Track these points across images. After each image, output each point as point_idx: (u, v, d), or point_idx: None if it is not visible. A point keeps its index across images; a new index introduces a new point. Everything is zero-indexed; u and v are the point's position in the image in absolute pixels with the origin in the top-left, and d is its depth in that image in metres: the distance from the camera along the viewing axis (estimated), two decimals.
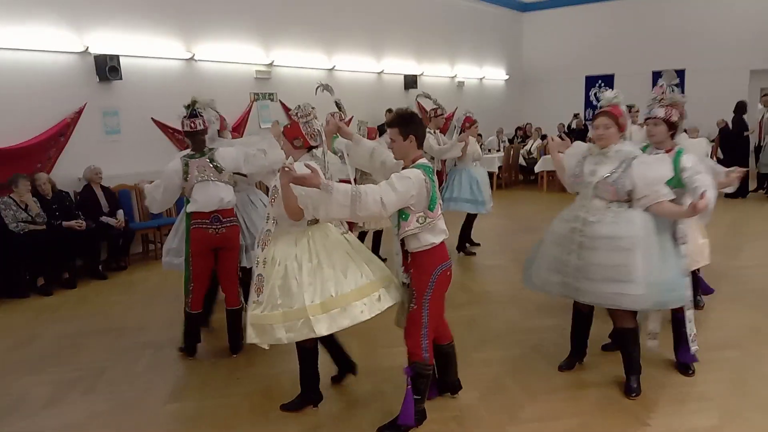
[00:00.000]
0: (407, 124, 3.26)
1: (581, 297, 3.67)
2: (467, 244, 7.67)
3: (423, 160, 3.28)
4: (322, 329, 3.24)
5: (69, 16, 7.39)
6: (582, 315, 4.04)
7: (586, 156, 3.75)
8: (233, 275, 4.62)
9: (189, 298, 4.50)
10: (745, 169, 4.49)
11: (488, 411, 3.62)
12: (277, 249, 3.41)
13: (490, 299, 5.78)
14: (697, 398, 3.66)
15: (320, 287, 3.27)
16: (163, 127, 8.36)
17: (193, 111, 4.41)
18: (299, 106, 3.51)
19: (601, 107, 3.74)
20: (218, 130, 5.04)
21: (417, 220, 3.18)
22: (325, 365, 3.87)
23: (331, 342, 3.84)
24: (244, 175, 4.85)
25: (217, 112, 5.06)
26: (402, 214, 3.19)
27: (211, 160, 4.42)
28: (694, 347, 3.90)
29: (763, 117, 10.58)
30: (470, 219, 7.59)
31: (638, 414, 3.50)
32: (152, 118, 8.24)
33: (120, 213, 7.35)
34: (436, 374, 3.64)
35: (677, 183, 3.68)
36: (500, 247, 7.79)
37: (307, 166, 3.11)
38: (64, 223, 6.69)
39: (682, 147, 3.86)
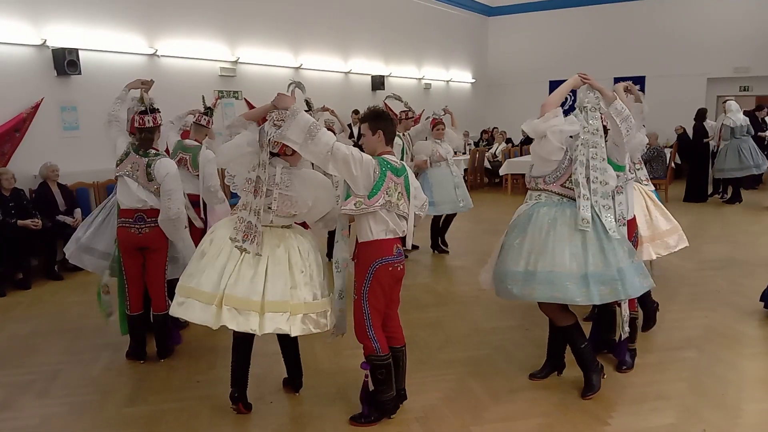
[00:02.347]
0: (377, 120, 3.40)
1: None
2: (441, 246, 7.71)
3: (387, 156, 3.36)
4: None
5: (26, 7, 7.16)
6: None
7: None
8: (159, 278, 4.42)
9: (127, 300, 4.38)
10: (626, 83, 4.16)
11: (452, 412, 3.62)
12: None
13: (455, 300, 5.80)
14: (655, 398, 3.73)
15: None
16: None
17: (146, 107, 4.25)
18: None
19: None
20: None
21: (354, 204, 3.22)
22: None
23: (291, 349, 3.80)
24: None
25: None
26: (347, 192, 3.32)
27: (148, 165, 4.19)
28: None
29: (722, 124, 10.89)
30: (437, 219, 7.61)
31: (598, 414, 3.55)
32: None
33: (77, 212, 7.14)
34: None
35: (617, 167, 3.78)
36: (465, 248, 7.83)
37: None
38: (19, 222, 6.48)
39: None
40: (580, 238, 3.48)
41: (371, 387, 3.43)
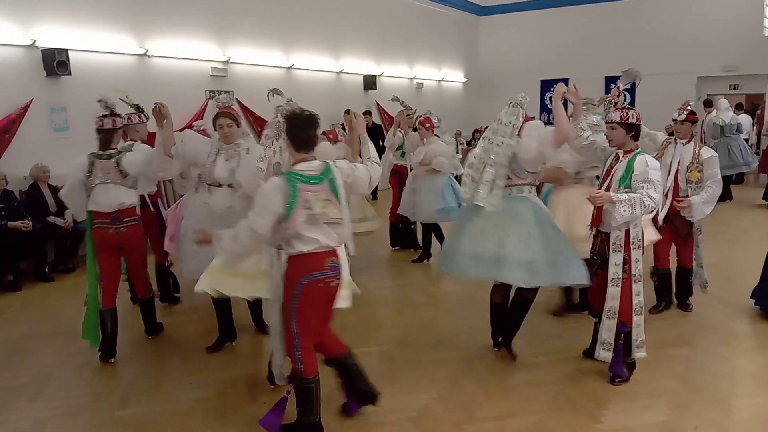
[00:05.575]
0: (285, 125, 3.19)
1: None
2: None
3: (298, 167, 3.12)
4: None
5: (14, 7, 7.10)
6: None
7: None
8: (141, 270, 4.75)
9: (100, 296, 4.48)
10: (688, 201, 4.83)
11: (445, 411, 3.63)
12: None
13: (448, 299, 5.81)
14: (647, 395, 3.75)
15: None
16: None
17: (105, 109, 4.43)
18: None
19: None
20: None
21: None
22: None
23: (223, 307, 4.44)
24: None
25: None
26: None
27: (118, 164, 4.39)
28: (641, 353, 3.88)
29: (703, 122, 10.96)
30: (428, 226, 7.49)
31: (592, 411, 3.57)
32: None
33: (68, 213, 7.08)
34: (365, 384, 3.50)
35: (626, 183, 3.76)
36: None
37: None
38: (9, 224, 6.43)
39: (642, 149, 3.92)
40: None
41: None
